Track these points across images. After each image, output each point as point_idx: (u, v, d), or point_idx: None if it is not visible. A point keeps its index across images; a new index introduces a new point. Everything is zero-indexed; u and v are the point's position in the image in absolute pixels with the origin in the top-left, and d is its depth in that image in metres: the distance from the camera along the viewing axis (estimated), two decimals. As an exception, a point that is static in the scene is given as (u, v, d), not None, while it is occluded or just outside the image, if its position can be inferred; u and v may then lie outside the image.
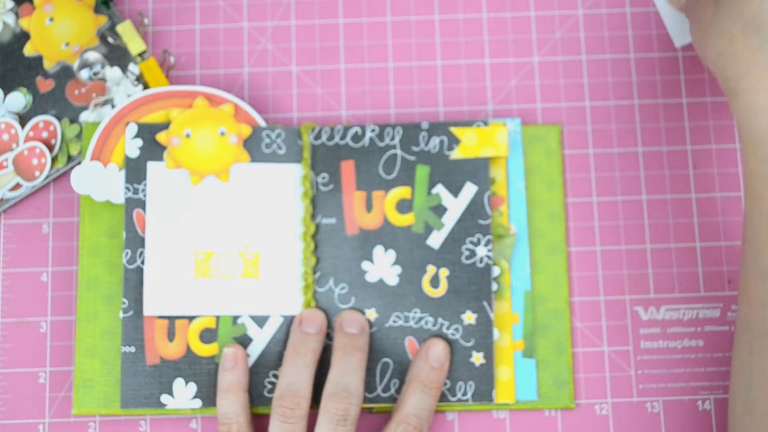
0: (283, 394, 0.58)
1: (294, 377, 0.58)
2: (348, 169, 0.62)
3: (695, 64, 0.66)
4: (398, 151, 0.62)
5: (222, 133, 0.62)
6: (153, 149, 0.62)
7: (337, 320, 0.60)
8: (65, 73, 0.65)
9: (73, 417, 0.62)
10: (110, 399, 0.61)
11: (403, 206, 0.62)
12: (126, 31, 0.65)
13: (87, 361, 0.61)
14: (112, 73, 0.65)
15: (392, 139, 0.62)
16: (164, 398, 0.60)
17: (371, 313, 0.61)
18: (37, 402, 0.62)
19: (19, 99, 0.65)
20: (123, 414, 0.61)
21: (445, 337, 0.61)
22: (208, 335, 0.61)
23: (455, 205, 0.62)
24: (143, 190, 0.61)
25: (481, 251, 0.61)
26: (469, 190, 0.62)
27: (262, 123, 0.63)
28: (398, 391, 0.60)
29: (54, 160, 0.64)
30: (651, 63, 0.66)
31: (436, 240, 0.62)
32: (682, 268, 0.64)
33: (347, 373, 0.58)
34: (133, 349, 0.60)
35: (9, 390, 0.62)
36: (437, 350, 0.60)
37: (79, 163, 0.64)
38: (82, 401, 0.61)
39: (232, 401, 0.59)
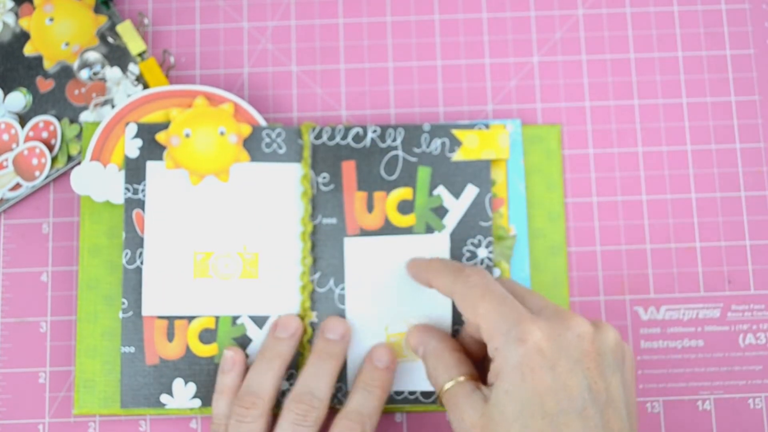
0: (242, 394, 0.58)
1: (255, 379, 0.58)
2: (349, 169, 0.62)
3: (695, 65, 0.66)
4: (400, 152, 0.62)
5: (222, 133, 0.62)
6: (153, 149, 0.62)
7: (321, 326, 0.60)
8: (65, 73, 0.65)
9: (73, 417, 0.62)
10: (110, 399, 0.61)
11: (405, 207, 0.62)
12: (126, 31, 0.65)
13: (87, 361, 0.61)
14: (112, 73, 0.65)
15: (394, 140, 0.62)
16: (164, 398, 0.60)
17: (371, 314, 0.61)
18: (37, 402, 0.62)
19: (19, 99, 0.65)
20: (123, 414, 0.61)
21: None
22: (207, 335, 0.61)
23: (456, 207, 0.62)
24: (143, 191, 0.61)
25: (482, 253, 0.61)
26: (471, 192, 0.62)
27: (262, 122, 0.63)
28: (411, 393, 0.60)
29: (54, 160, 0.64)
30: (651, 63, 0.66)
31: (436, 240, 0.62)
32: (682, 268, 0.64)
33: (316, 377, 0.58)
34: (132, 349, 0.60)
35: (9, 390, 0.62)
36: (380, 353, 0.60)
37: (79, 163, 0.64)
38: (82, 401, 0.61)
39: (227, 404, 0.59)
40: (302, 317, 0.61)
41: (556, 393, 0.50)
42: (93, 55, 0.65)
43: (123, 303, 0.60)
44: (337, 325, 0.60)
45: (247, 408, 0.57)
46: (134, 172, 0.62)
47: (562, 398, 0.50)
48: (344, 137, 0.62)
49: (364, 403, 0.58)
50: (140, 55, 0.65)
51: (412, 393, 0.61)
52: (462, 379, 0.54)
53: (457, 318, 0.60)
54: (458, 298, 0.54)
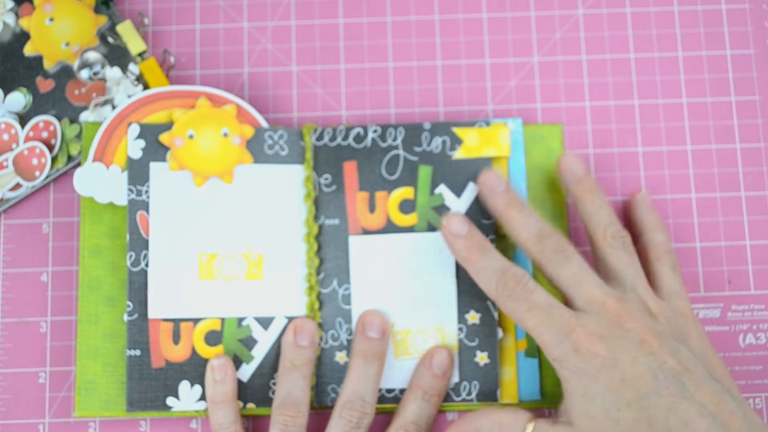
0: (284, 402, 0.58)
1: (293, 386, 0.58)
2: (350, 169, 0.62)
3: (695, 65, 0.67)
4: (401, 152, 0.62)
5: (225, 134, 0.62)
6: (156, 150, 0.62)
7: (359, 321, 0.60)
8: (65, 73, 0.65)
9: (74, 417, 0.62)
10: (112, 401, 0.61)
11: (406, 206, 0.62)
12: (126, 31, 0.65)
13: (89, 363, 0.61)
14: (112, 73, 0.65)
15: (394, 139, 0.62)
16: (170, 401, 0.60)
17: (374, 314, 0.61)
18: (37, 402, 0.62)
19: (19, 99, 0.65)
20: (123, 414, 0.61)
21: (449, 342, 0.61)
22: (213, 337, 0.60)
23: (458, 205, 0.62)
24: (146, 192, 0.61)
25: (483, 251, 0.61)
26: (472, 190, 0.62)
27: (264, 124, 0.63)
28: (402, 392, 0.60)
29: (54, 160, 0.64)
30: (651, 63, 0.66)
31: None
32: (682, 268, 0.64)
33: (365, 382, 0.58)
34: (138, 352, 0.60)
35: (9, 390, 0.62)
36: (441, 358, 0.60)
37: (79, 163, 0.63)
38: (83, 404, 0.61)
39: (227, 412, 0.59)
40: (309, 318, 0.61)
41: (629, 383, 0.52)
42: (93, 55, 0.65)
43: (128, 306, 0.60)
44: (376, 321, 0.60)
45: (294, 417, 0.57)
46: (137, 173, 0.61)
47: (637, 385, 0.52)
48: (345, 138, 0.62)
49: (421, 413, 0.59)
50: (140, 55, 0.65)
51: None
52: (531, 427, 0.56)
53: (461, 317, 0.61)
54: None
